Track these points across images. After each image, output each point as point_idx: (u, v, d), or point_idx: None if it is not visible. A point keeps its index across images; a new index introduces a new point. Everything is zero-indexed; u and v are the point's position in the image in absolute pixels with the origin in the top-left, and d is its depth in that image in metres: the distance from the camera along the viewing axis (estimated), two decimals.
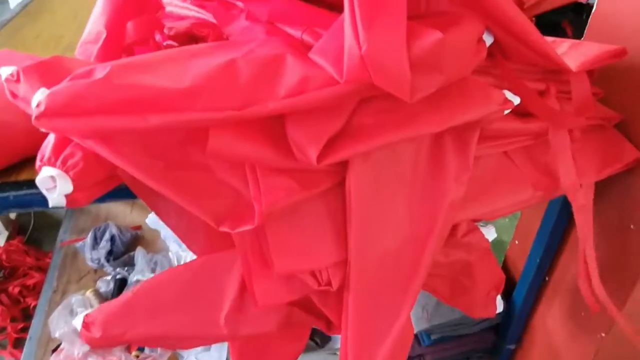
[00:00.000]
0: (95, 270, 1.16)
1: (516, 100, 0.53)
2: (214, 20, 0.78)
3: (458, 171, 0.53)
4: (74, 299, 1.02)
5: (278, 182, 0.48)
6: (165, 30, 0.66)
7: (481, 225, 0.61)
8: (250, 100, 0.43)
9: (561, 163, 0.62)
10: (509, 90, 0.57)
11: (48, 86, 0.42)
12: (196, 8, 0.84)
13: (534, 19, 2.18)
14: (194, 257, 0.61)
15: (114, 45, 0.59)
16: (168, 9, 0.95)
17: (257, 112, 0.43)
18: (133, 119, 0.42)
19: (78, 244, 1.23)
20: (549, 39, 0.71)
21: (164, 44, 0.66)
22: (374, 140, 0.47)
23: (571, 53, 0.66)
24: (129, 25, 0.59)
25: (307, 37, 0.50)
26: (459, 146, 0.53)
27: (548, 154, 0.63)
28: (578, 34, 2.84)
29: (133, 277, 1.10)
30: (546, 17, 2.38)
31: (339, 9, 0.45)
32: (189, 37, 0.66)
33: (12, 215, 1.70)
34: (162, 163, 0.47)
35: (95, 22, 0.60)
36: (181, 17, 0.91)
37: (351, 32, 0.40)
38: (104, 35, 0.58)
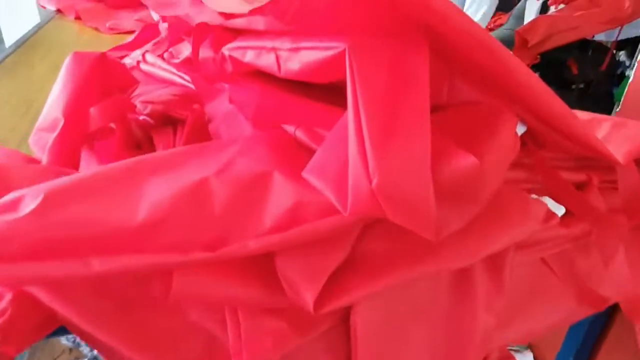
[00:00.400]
0: (71, 350, 1.05)
1: (560, 210, 0.43)
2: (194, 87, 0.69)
3: (489, 298, 0.43)
4: None
5: (265, 325, 0.38)
6: (140, 107, 0.56)
7: (515, 350, 0.50)
8: (226, 237, 0.33)
9: (610, 271, 0.51)
10: (545, 184, 0.47)
11: None
12: (179, 73, 0.76)
13: (539, 57, 2.07)
14: None
15: (73, 134, 0.49)
16: (149, 69, 0.87)
17: (234, 253, 0.33)
18: (71, 265, 0.32)
19: None
20: (585, 115, 0.62)
21: (140, 118, 0.56)
22: (385, 278, 0.36)
23: (614, 135, 0.56)
24: (93, 111, 0.50)
25: (301, 135, 0.40)
26: (489, 267, 0.43)
27: (593, 258, 0.53)
28: (584, 71, 2.77)
29: None
30: (551, 55, 2.29)
31: (342, 98, 0.36)
32: (167, 116, 0.57)
33: None
34: (112, 304, 0.37)
35: (52, 105, 0.51)
36: (163, 80, 0.82)
37: (357, 155, 0.31)
38: (61, 123, 0.49)
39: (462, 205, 0.32)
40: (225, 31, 0.44)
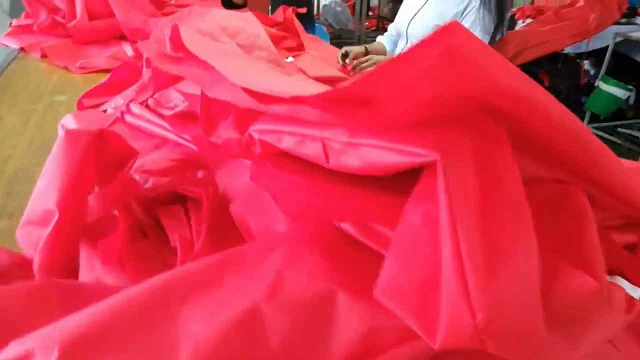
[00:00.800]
0: None
1: (637, 292, 0.39)
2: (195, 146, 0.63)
3: None
4: None
5: None
6: (139, 180, 0.50)
7: None
8: None
9: None
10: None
11: None
12: (174, 130, 0.69)
13: None
14: None
15: (69, 229, 0.42)
16: (135, 122, 0.79)
17: None
18: None
19: None
20: (629, 164, 0.59)
21: (142, 195, 0.50)
22: None
23: None
24: (92, 200, 0.43)
25: (351, 230, 0.35)
26: None
27: None
28: (555, 82, 2.83)
29: None
30: (524, 68, 2.36)
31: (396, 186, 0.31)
32: (174, 193, 0.50)
33: None
34: None
35: (42, 194, 0.44)
36: (152, 135, 0.75)
37: (454, 283, 0.25)
38: (55, 217, 0.42)
39: (577, 333, 0.27)
40: (247, 110, 0.39)
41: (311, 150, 0.34)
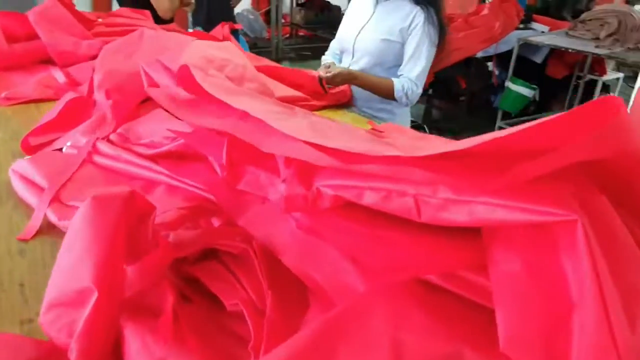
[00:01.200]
0: None
1: None
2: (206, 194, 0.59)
3: None
4: None
5: None
6: (171, 239, 0.46)
7: None
8: None
9: None
10: None
11: None
12: (158, 169, 0.64)
13: (434, 76, 2.22)
14: None
15: (109, 306, 0.38)
16: (110, 164, 0.72)
17: None
18: None
19: None
20: None
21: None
22: None
23: None
24: (131, 273, 0.39)
25: (442, 282, 0.35)
26: None
27: None
28: (470, 84, 3.05)
29: None
30: (443, 73, 2.51)
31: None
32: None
33: None
34: None
35: (72, 271, 0.38)
36: (130, 176, 0.69)
37: (602, 335, 0.26)
38: (94, 296, 0.37)
39: None
40: (307, 164, 0.37)
41: (399, 205, 0.34)
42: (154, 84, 0.68)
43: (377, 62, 1.30)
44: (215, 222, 0.53)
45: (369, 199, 0.35)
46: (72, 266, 0.39)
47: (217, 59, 0.65)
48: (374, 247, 0.37)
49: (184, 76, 0.51)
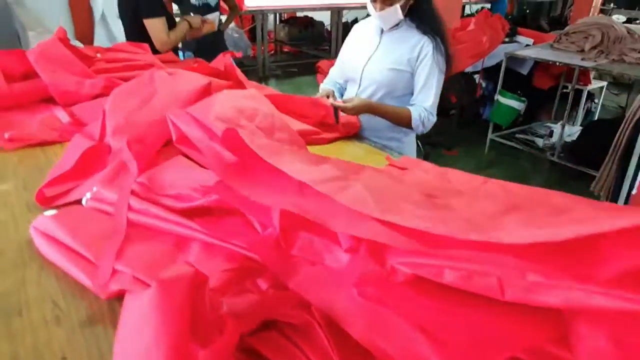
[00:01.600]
0: None
1: None
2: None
3: None
4: None
5: None
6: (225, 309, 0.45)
7: None
8: None
9: None
10: None
11: None
12: (194, 226, 0.63)
13: None
14: None
15: None
16: (142, 220, 0.71)
17: None
18: None
19: None
20: None
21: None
22: None
23: None
24: (203, 358, 0.38)
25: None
26: None
27: None
28: (460, 99, 3.08)
29: None
30: None
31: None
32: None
33: None
34: None
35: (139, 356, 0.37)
36: (162, 232, 0.68)
37: None
38: None
39: None
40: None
41: (481, 284, 0.34)
42: (182, 135, 0.67)
43: (387, 91, 1.31)
44: (262, 283, 0.53)
45: (449, 277, 0.35)
46: (141, 354, 0.38)
47: (247, 109, 0.65)
48: (450, 321, 0.36)
49: (230, 138, 0.50)
